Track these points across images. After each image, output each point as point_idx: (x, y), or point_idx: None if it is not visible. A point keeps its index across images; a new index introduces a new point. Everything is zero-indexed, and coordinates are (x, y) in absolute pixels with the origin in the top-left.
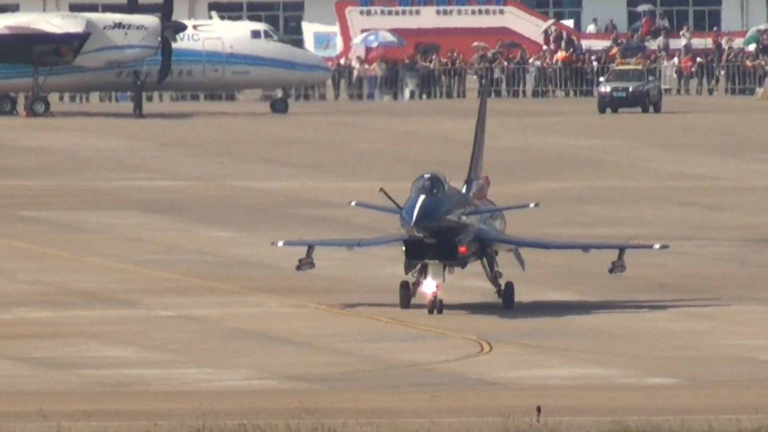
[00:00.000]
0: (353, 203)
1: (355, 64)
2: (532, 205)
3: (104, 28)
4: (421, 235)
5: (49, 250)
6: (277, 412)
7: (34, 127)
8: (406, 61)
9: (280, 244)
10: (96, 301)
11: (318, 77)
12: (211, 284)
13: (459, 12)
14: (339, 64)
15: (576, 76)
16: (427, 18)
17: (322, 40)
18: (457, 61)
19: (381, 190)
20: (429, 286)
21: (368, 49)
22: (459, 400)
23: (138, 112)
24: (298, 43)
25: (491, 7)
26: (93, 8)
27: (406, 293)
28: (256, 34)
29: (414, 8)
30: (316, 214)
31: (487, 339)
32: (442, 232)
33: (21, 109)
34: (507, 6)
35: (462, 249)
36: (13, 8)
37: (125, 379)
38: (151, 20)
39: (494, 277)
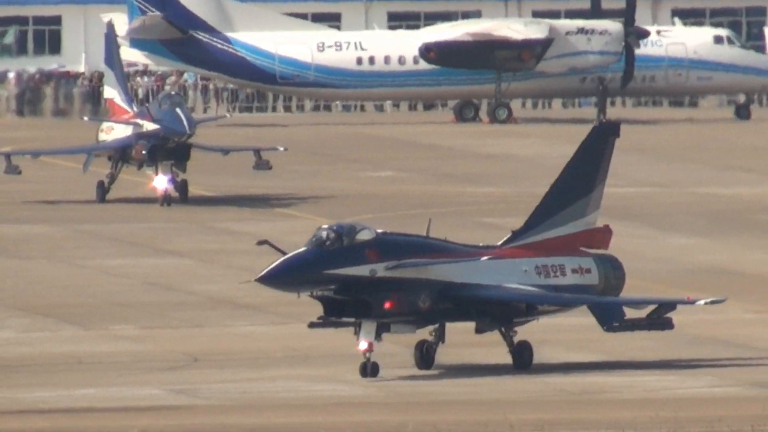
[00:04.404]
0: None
1: None
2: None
3: (567, 33)
4: (275, 289)
5: None
6: (742, 419)
7: (496, 134)
8: None
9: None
10: None
11: None
12: (671, 290)
13: None
14: None
15: None
16: None
17: None
18: None
19: (264, 242)
20: (361, 346)
21: None
22: None
23: (602, 118)
24: (760, 48)
25: None
26: (555, 14)
27: (420, 354)
28: (718, 40)
29: None
30: None
31: None
32: (342, 289)
33: (483, 115)
34: None
35: (387, 304)
36: (475, 14)
37: (590, 387)
38: (614, 26)
39: (508, 336)
